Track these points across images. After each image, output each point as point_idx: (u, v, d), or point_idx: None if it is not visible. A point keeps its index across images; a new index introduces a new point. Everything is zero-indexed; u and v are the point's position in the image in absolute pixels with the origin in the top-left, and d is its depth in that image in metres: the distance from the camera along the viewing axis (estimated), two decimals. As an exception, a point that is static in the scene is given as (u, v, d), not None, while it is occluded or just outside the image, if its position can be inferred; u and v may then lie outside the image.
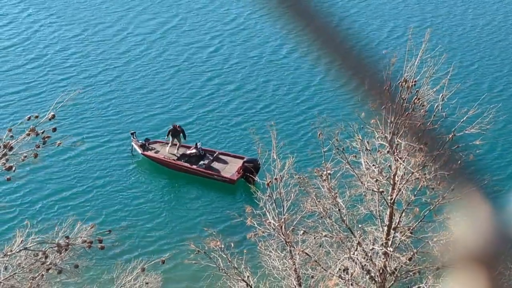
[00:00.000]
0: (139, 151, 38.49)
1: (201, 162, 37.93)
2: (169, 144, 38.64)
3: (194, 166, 37.77)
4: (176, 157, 38.22)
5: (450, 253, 17.13)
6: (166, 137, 38.82)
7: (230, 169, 37.58)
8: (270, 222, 19.35)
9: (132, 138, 38.84)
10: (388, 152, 17.65)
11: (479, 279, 4.46)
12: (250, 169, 34.57)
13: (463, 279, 4.52)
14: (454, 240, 16.17)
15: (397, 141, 17.20)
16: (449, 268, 18.45)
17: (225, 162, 38.12)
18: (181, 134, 38.64)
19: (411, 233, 18.63)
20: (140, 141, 38.75)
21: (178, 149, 38.69)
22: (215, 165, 37.97)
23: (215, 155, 38.34)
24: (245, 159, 37.05)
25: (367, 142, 18.08)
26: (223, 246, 20.39)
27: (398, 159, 17.35)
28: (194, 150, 38.24)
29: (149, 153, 38.49)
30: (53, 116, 14.09)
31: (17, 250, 16.18)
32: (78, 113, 41.23)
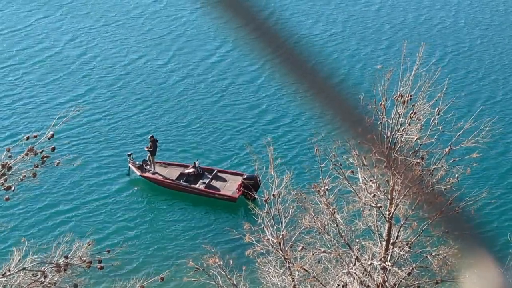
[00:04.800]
0: (137, 172, 38.34)
1: (200, 181, 37.78)
2: (151, 162, 38.40)
3: (194, 186, 37.61)
4: (175, 177, 38.06)
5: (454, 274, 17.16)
6: (148, 148, 38.37)
7: (230, 186, 37.44)
8: (268, 239, 19.36)
9: (129, 159, 38.75)
10: (385, 167, 17.69)
11: None
12: (250, 186, 34.53)
13: None
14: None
15: (394, 156, 17.26)
16: (448, 283, 18.49)
17: (224, 180, 37.99)
18: (157, 144, 38.57)
19: (409, 247, 18.66)
20: (138, 163, 38.63)
21: (153, 164, 38.45)
22: (215, 183, 37.82)
23: (213, 173, 38.20)
24: (244, 176, 36.94)
25: (364, 157, 18.13)
26: (222, 263, 20.37)
27: (395, 173, 17.39)
28: (192, 169, 38.07)
29: (147, 174, 38.38)
30: (52, 136, 14.13)
31: (16, 270, 16.16)
32: (76, 134, 41.22)
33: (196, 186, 37.49)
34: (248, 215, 33.38)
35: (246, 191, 35.29)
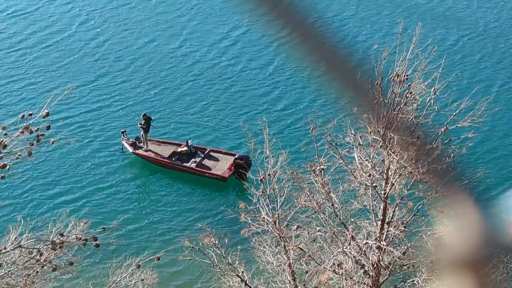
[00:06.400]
0: (130, 149, 38.47)
1: (192, 160, 37.88)
2: (144, 139, 38.50)
3: (185, 164, 37.72)
4: (167, 155, 38.17)
5: (440, 255, 17.22)
6: (141, 125, 38.47)
7: (222, 166, 37.54)
8: (264, 218, 19.37)
9: (122, 136, 38.84)
10: (381, 146, 17.68)
11: (467, 283, 4.48)
12: (242, 165, 34.68)
13: (452, 283, 4.55)
14: (442, 244, 16.26)
15: (390, 135, 17.24)
16: (443, 263, 18.52)
17: (216, 159, 38.09)
18: (150, 121, 38.61)
19: (404, 227, 18.69)
20: (131, 140, 38.72)
21: (146, 141, 38.54)
22: (206, 162, 37.92)
23: (206, 152, 38.32)
24: (236, 156, 37.02)
25: (360, 136, 18.13)
26: (217, 242, 20.41)
27: (391, 153, 17.39)
28: (185, 148, 38.20)
29: (140, 151, 38.48)
30: (47, 114, 14.08)
31: (11, 248, 16.17)
32: (69, 111, 41.16)
33: (188, 164, 37.62)
34: (242, 195, 33.52)
35: (240, 170, 35.48)
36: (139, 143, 38.69)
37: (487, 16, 52.48)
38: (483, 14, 52.76)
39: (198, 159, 37.85)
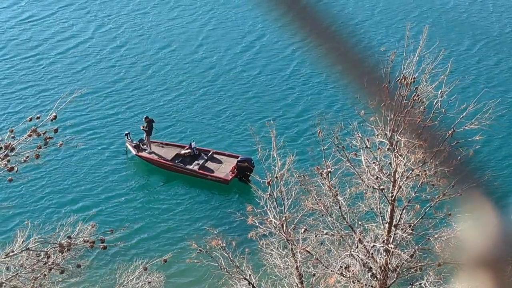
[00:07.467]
0: (133, 152, 38.55)
1: (195, 162, 37.88)
2: (147, 142, 38.64)
3: (188, 166, 37.71)
4: (170, 158, 38.20)
5: (457, 256, 17.17)
6: (143, 128, 38.62)
7: (224, 168, 37.54)
8: (271, 221, 19.37)
9: (126, 139, 38.92)
10: (388, 149, 17.68)
11: (486, 282, 4.47)
12: (244, 168, 34.70)
13: (470, 281, 4.57)
14: (460, 243, 16.21)
15: (397, 138, 17.23)
16: (451, 265, 18.50)
17: (219, 162, 38.08)
18: (153, 124, 38.79)
19: (412, 230, 18.66)
20: (135, 142, 38.82)
21: (149, 144, 38.65)
22: (209, 165, 37.92)
23: (209, 154, 38.33)
24: (239, 158, 37.04)
25: (367, 139, 18.11)
26: (224, 245, 20.40)
27: (398, 156, 17.38)
28: (188, 150, 38.22)
29: (143, 153, 38.56)
30: (55, 117, 14.11)
31: (19, 251, 16.20)
32: (75, 114, 41.23)
33: (191, 167, 37.61)
34: (245, 198, 33.60)
35: (240, 172, 35.64)
36: (142, 145, 38.80)
37: (497, 20, 52.38)
38: (493, 18, 52.65)
39: (201, 162, 37.84)
